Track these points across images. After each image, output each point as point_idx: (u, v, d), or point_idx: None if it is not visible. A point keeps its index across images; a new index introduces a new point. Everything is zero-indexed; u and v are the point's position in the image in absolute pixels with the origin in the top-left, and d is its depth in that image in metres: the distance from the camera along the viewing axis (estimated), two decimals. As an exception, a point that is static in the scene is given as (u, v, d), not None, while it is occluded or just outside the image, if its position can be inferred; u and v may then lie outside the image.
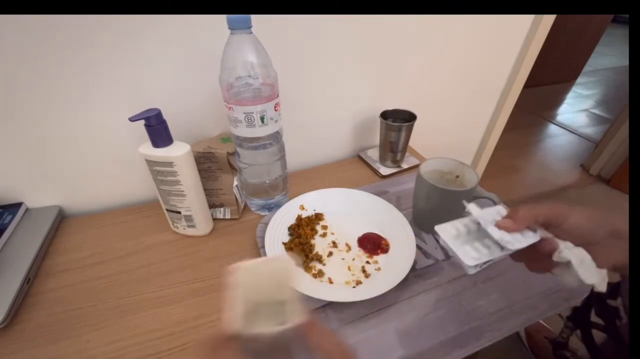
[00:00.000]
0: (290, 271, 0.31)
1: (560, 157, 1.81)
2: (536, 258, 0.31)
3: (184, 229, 0.53)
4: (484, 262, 0.30)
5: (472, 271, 0.30)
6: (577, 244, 0.29)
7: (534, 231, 0.31)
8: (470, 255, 0.30)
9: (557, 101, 2.48)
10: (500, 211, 0.33)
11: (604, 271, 0.29)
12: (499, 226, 0.31)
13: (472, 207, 0.34)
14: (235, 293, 0.28)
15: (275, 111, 0.48)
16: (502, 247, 0.30)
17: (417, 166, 0.64)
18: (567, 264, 0.29)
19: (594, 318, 0.67)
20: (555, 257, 0.29)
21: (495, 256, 0.30)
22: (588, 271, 0.29)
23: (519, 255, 0.32)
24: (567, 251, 0.29)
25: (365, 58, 0.65)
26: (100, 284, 0.47)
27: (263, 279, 0.31)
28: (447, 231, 0.32)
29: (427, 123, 0.79)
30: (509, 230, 0.30)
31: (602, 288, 0.29)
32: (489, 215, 0.33)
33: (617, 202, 1.46)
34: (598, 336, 0.65)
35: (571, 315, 0.73)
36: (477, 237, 0.33)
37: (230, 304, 0.27)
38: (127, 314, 0.43)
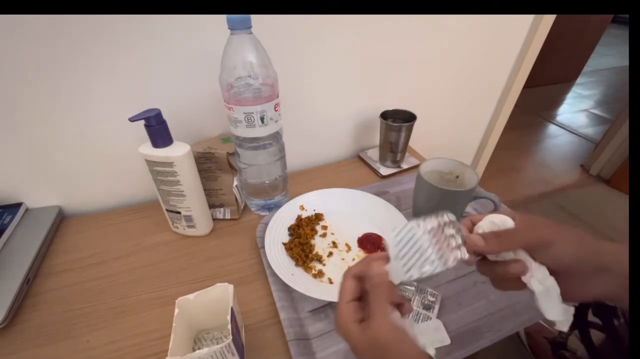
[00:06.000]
0: (227, 297, 0.34)
1: (560, 157, 1.81)
2: (503, 277, 0.28)
3: (184, 229, 0.53)
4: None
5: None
6: (556, 271, 0.26)
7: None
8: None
9: (557, 101, 2.48)
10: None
11: (571, 310, 0.26)
12: (467, 238, 0.27)
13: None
14: (176, 324, 0.32)
15: (275, 111, 0.48)
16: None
17: (417, 166, 0.64)
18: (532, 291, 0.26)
19: (591, 317, 0.67)
20: (524, 280, 0.26)
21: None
22: (551, 305, 0.26)
23: (486, 270, 0.29)
24: (533, 279, 0.26)
25: (365, 58, 0.65)
26: (100, 284, 0.47)
27: (201, 309, 0.36)
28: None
29: (427, 123, 0.79)
30: (476, 249, 0.27)
31: (563, 327, 0.26)
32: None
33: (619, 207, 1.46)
34: (597, 335, 0.66)
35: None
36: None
37: (172, 335, 0.31)
38: (127, 314, 0.43)
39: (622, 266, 0.25)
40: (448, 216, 0.28)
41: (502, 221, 0.27)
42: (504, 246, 0.27)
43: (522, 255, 0.27)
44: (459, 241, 0.27)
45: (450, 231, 0.27)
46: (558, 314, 0.26)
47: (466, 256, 0.26)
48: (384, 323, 0.25)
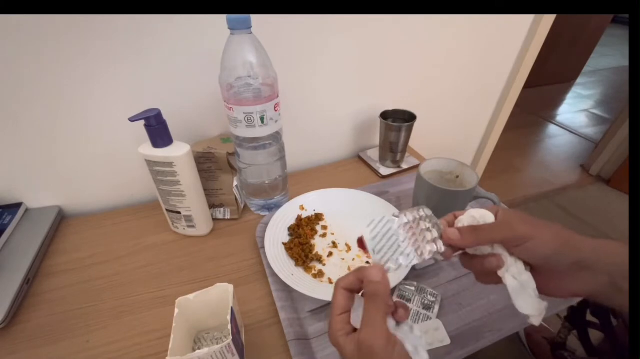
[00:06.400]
0: (227, 297, 0.34)
1: (560, 157, 1.81)
2: (484, 271, 0.28)
3: (184, 229, 0.53)
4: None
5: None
6: (534, 266, 0.27)
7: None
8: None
9: (557, 101, 2.48)
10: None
11: (544, 305, 0.26)
12: (444, 232, 0.28)
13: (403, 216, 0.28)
14: (176, 324, 0.31)
15: (275, 111, 0.48)
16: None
17: (417, 166, 0.64)
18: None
19: (590, 317, 0.67)
20: (500, 274, 0.27)
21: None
22: (524, 300, 0.26)
23: (467, 264, 0.30)
24: (508, 274, 0.26)
25: (365, 58, 0.65)
26: (100, 284, 0.47)
27: (201, 309, 0.35)
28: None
29: (427, 123, 0.79)
30: (451, 243, 0.27)
31: (535, 321, 0.26)
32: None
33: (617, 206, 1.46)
34: (597, 335, 0.66)
35: (568, 315, 0.73)
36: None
37: (172, 335, 0.30)
38: (127, 314, 0.43)
39: (601, 262, 0.25)
40: (425, 211, 0.29)
41: (482, 215, 0.28)
42: (478, 240, 0.27)
43: (500, 250, 0.27)
44: (435, 234, 0.28)
45: (426, 224, 0.28)
46: (531, 308, 0.26)
47: (442, 249, 0.27)
48: (377, 331, 0.24)
